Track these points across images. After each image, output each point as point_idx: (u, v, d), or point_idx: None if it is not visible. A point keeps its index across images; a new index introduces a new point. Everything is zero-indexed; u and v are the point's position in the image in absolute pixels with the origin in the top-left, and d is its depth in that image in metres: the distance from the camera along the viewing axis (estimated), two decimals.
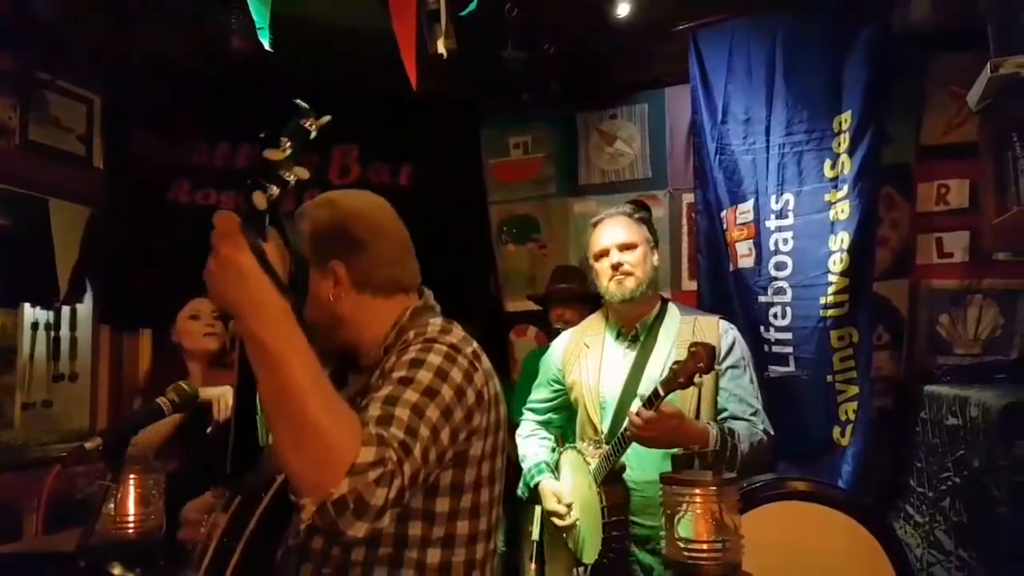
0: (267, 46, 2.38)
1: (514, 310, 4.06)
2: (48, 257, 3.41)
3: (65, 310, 3.68)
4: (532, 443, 2.53)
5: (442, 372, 1.26)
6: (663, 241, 3.25)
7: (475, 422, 1.31)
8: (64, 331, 3.69)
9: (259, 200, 1.15)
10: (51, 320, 3.66)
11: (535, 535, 2.63)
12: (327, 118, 1.21)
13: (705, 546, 1.36)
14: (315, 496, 1.05)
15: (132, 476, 1.84)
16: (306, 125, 1.20)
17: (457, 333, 1.38)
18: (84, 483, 3.30)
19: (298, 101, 1.20)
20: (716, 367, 2.12)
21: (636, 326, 2.33)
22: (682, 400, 2.11)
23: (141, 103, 3.66)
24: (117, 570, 1.46)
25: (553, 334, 3.15)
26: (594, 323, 2.49)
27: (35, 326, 3.66)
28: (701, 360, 1.88)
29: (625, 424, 2.04)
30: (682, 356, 2.05)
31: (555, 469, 2.44)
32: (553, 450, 2.52)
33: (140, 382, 3.67)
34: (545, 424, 2.58)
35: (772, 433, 2.17)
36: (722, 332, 2.25)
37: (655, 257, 2.35)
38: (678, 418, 1.99)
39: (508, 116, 4.08)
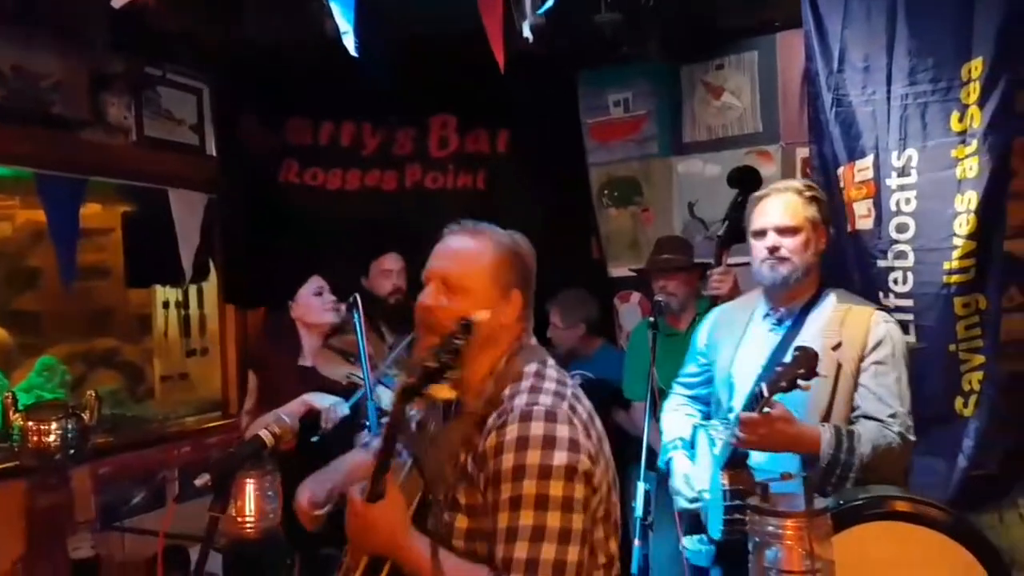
0: (352, 52, 2.38)
1: (617, 275, 3.98)
2: (172, 242, 3.62)
3: (193, 290, 3.94)
4: (675, 417, 2.48)
5: (551, 489, 1.30)
6: None
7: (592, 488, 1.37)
8: (193, 309, 3.97)
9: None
10: (180, 299, 3.93)
11: (639, 511, 2.62)
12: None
13: None
14: None
15: (250, 479, 1.96)
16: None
17: (549, 384, 1.42)
18: (217, 454, 3.56)
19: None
20: (861, 362, 2.04)
21: (784, 308, 2.21)
22: (815, 395, 1.99)
23: (245, 88, 3.75)
24: None
25: (656, 304, 3.09)
26: (750, 298, 2.38)
27: (166, 305, 3.96)
28: (801, 367, 1.78)
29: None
30: (828, 345, 2.00)
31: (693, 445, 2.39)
32: (695, 426, 2.45)
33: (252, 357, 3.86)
34: (694, 399, 2.52)
35: (912, 438, 2.02)
36: (872, 324, 2.09)
37: (822, 241, 2.19)
38: (786, 421, 1.88)
39: (607, 72, 3.91)
